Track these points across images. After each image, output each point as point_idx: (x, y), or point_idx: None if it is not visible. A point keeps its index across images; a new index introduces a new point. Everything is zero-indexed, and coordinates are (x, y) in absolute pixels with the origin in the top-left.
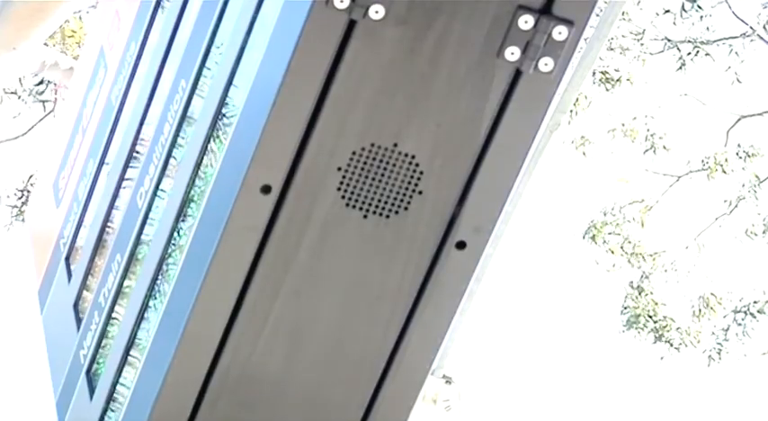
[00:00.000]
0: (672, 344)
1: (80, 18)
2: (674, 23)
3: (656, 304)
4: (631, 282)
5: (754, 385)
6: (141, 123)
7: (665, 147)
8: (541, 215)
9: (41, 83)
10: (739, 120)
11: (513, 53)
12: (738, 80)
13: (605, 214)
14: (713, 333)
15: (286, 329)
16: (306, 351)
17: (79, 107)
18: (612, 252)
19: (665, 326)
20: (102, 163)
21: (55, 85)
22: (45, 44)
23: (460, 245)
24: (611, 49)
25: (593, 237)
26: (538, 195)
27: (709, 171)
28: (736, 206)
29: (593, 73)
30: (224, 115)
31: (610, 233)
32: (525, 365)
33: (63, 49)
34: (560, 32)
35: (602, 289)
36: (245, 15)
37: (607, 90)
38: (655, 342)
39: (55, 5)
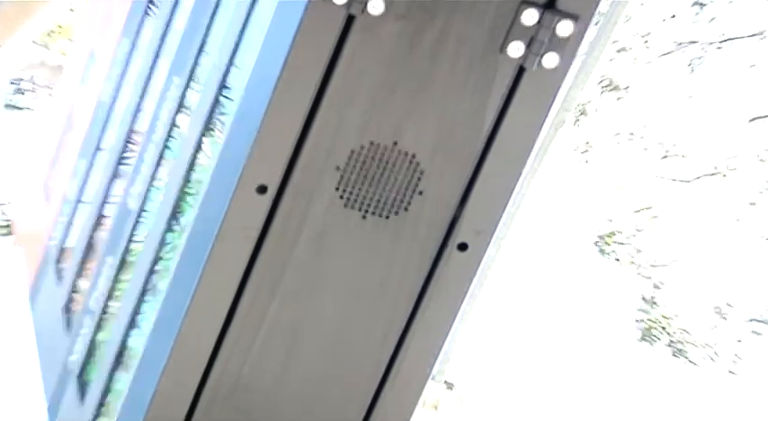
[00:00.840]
0: (688, 359)
1: (71, 10)
2: (683, 27)
3: (668, 319)
4: (644, 297)
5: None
6: (133, 121)
7: (682, 156)
8: (546, 219)
9: (20, 92)
10: (753, 120)
11: (516, 49)
12: (755, 81)
13: (611, 220)
14: (728, 343)
15: (282, 333)
16: (303, 354)
17: (70, 105)
18: (630, 261)
19: (680, 341)
20: (92, 162)
21: (33, 85)
22: (33, 42)
23: (462, 246)
24: (618, 52)
25: (601, 251)
26: (542, 197)
27: (721, 175)
28: (754, 206)
29: (600, 81)
30: (219, 113)
31: (619, 243)
32: (528, 370)
33: (49, 46)
34: (565, 27)
35: (606, 294)
36: (241, 10)
37: (618, 99)
38: (673, 355)
39: (42, 4)
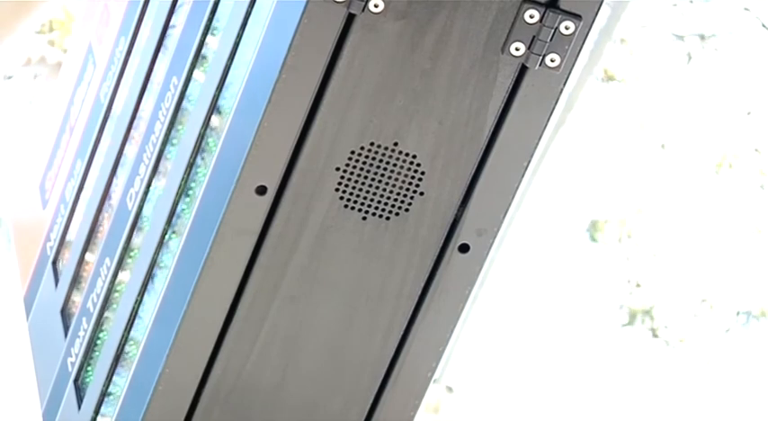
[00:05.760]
0: (668, 343)
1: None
2: (682, 16)
3: (651, 308)
4: (629, 280)
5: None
6: (131, 122)
7: (678, 147)
8: (544, 214)
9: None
10: (748, 114)
11: (517, 49)
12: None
13: (603, 209)
14: (713, 334)
15: (282, 336)
16: (303, 358)
17: (66, 105)
18: (620, 249)
19: (660, 327)
20: (90, 163)
21: (32, 82)
22: (32, 37)
23: (463, 248)
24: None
25: (592, 237)
26: (542, 194)
27: (717, 168)
28: (754, 198)
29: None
30: (218, 113)
31: (614, 234)
32: (528, 373)
33: (51, 42)
34: (567, 27)
35: (603, 288)
36: (240, 8)
37: (614, 90)
38: (653, 337)
39: (41, 2)
